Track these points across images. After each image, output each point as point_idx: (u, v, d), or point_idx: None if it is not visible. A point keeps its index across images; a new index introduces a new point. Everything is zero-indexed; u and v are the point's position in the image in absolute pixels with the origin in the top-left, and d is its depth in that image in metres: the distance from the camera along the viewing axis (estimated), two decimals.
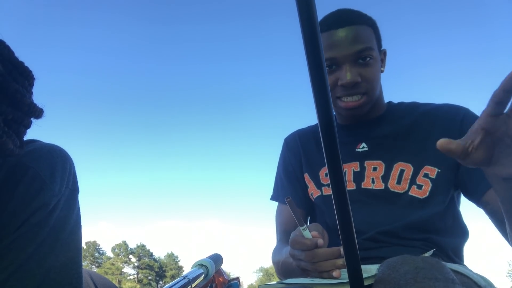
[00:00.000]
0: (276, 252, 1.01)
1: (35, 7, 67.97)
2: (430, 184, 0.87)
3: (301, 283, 0.73)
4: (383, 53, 0.99)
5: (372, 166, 0.94)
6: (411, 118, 0.97)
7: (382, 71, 0.97)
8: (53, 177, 0.54)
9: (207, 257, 1.03)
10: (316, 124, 1.12)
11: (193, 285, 0.82)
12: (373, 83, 0.92)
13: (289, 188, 1.09)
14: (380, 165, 0.93)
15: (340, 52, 0.88)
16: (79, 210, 0.59)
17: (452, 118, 0.92)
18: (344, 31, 0.88)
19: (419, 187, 0.88)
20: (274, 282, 0.84)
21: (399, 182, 0.89)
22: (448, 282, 0.36)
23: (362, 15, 0.95)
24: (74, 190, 0.58)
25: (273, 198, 1.13)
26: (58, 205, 0.54)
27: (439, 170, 0.88)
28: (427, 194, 0.87)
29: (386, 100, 1.05)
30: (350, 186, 0.94)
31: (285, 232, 1.03)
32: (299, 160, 1.09)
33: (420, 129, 0.94)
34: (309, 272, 0.72)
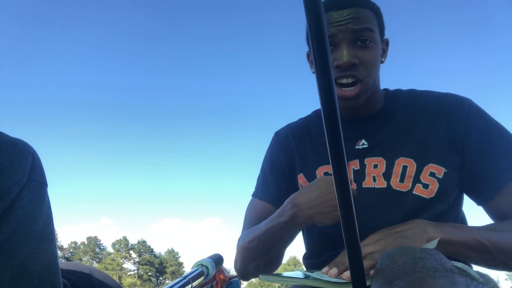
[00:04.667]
0: (250, 231, 0.93)
1: (34, 8, 67.41)
2: (437, 184, 0.83)
3: (302, 277, 0.73)
4: (385, 43, 0.94)
5: (373, 163, 0.89)
6: (413, 111, 0.92)
7: (382, 62, 0.92)
8: (13, 167, 0.52)
9: (207, 257, 1.02)
10: (307, 117, 1.10)
11: (194, 284, 0.82)
12: (370, 69, 0.86)
13: (274, 185, 1.02)
14: (381, 162, 0.88)
15: (337, 31, 0.83)
16: (49, 203, 0.58)
17: (457, 111, 0.87)
18: (343, 12, 0.84)
19: (425, 186, 0.83)
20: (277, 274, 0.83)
21: (402, 180, 0.85)
22: (447, 272, 0.36)
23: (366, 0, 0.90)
24: (42, 184, 0.56)
25: (254, 194, 1.05)
26: (22, 195, 0.52)
27: (446, 170, 0.84)
28: (433, 195, 0.83)
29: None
30: (351, 186, 0.89)
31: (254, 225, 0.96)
32: (290, 159, 1.02)
33: (423, 122, 0.90)
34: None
